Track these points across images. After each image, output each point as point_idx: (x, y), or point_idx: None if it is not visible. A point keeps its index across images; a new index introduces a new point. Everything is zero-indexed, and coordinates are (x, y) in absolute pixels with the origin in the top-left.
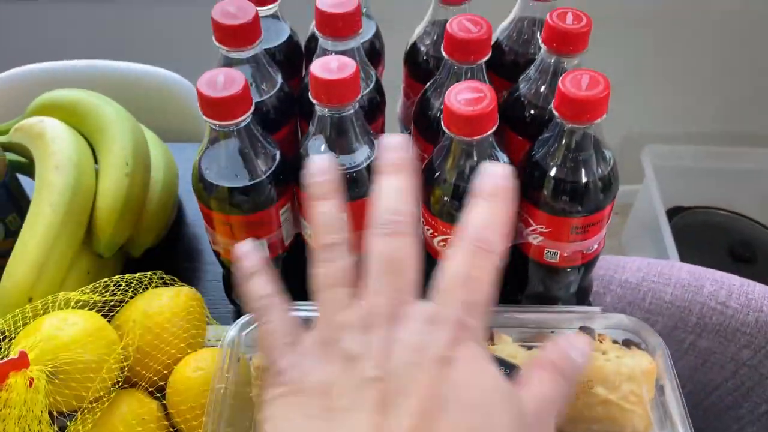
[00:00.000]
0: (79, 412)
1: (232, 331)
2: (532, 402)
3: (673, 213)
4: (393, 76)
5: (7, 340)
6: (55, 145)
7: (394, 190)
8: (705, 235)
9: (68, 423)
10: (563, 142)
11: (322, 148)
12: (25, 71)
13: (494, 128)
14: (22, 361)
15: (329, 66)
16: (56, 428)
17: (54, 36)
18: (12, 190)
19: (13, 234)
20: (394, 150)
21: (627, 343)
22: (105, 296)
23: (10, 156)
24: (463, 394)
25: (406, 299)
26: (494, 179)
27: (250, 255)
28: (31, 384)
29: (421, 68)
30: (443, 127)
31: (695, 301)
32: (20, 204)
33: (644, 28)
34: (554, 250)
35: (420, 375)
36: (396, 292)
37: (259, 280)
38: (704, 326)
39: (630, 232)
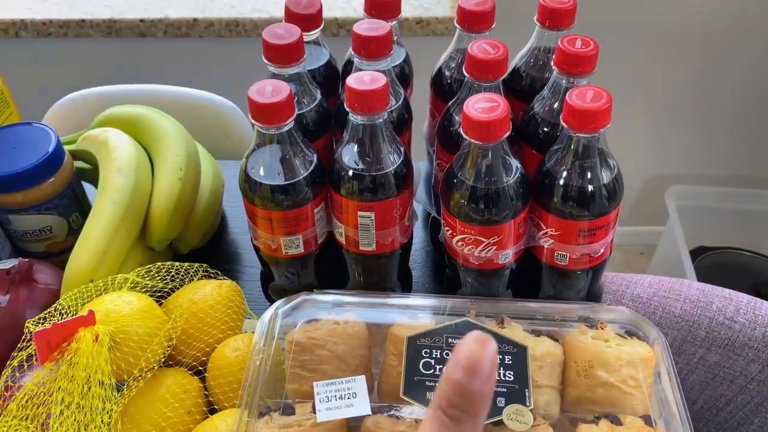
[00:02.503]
0: (131, 379)
1: (269, 311)
2: None
3: (696, 253)
4: (420, 101)
5: (70, 315)
6: (117, 151)
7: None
8: (729, 276)
9: (123, 389)
10: (571, 151)
11: (356, 148)
12: (92, 92)
13: (507, 134)
14: (90, 319)
15: (363, 79)
16: (114, 380)
17: (118, 64)
18: (77, 192)
19: (75, 232)
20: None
21: (627, 334)
22: (156, 280)
23: (76, 163)
24: None
25: None
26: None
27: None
28: (96, 339)
29: (446, 90)
30: (462, 133)
31: (704, 316)
32: (82, 206)
33: (668, 71)
34: (564, 253)
35: None
36: None
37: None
38: (713, 340)
39: (654, 272)
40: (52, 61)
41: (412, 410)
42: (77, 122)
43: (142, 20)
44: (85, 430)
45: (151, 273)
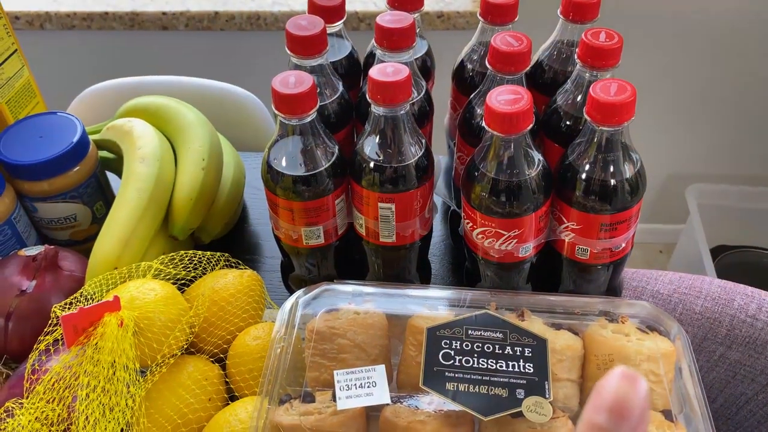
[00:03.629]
0: (154, 365)
1: (290, 300)
2: None
3: (717, 252)
4: (440, 96)
5: (95, 301)
6: (141, 141)
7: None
8: (749, 275)
9: (146, 374)
10: (594, 144)
11: (377, 140)
12: (116, 83)
13: (530, 126)
14: (115, 304)
15: (385, 71)
16: (138, 365)
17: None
18: (101, 182)
19: (98, 220)
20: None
21: (648, 329)
22: (179, 268)
23: (101, 153)
24: None
25: None
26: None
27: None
28: (121, 324)
29: (467, 83)
30: (484, 126)
31: (725, 313)
32: (106, 195)
33: (690, 66)
34: (584, 247)
35: None
36: None
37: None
38: (734, 338)
39: (674, 270)
40: (75, 53)
41: (431, 400)
42: (101, 113)
43: (164, 13)
44: (109, 413)
45: (174, 261)
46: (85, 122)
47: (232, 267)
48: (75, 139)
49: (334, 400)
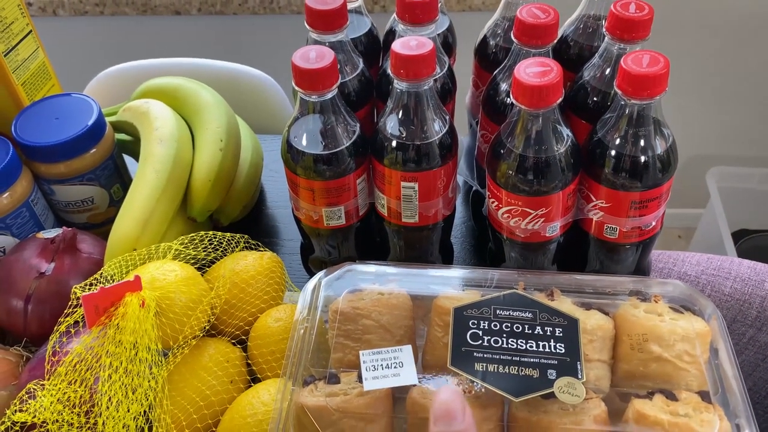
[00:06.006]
0: (176, 347)
1: (312, 281)
2: None
3: (738, 236)
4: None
5: (115, 282)
6: (158, 122)
7: None
8: None
9: (168, 355)
10: (624, 118)
11: (400, 117)
12: (131, 66)
13: (560, 100)
14: (137, 284)
15: (409, 44)
16: (161, 346)
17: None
18: (117, 164)
19: (116, 203)
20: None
21: (682, 308)
22: (198, 249)
23: (117, 135)
24: None
25: None
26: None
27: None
28: (143, 304)
29: (491, 59)
30: (512, 100)
31: (755, 294)
32: (123, 178)
33: (709, 48)
34: (614, 226)
35: None
36: None
37: None
38: (765, 320)
39: None
40: (88, 40)
41: (459, 381)
42: (117, 96)
43: None
44: (132, 394)
45: (194, 242)
46: (101, 104)
47: (251, 249)
48: (91, 121)
49: (360, 381)
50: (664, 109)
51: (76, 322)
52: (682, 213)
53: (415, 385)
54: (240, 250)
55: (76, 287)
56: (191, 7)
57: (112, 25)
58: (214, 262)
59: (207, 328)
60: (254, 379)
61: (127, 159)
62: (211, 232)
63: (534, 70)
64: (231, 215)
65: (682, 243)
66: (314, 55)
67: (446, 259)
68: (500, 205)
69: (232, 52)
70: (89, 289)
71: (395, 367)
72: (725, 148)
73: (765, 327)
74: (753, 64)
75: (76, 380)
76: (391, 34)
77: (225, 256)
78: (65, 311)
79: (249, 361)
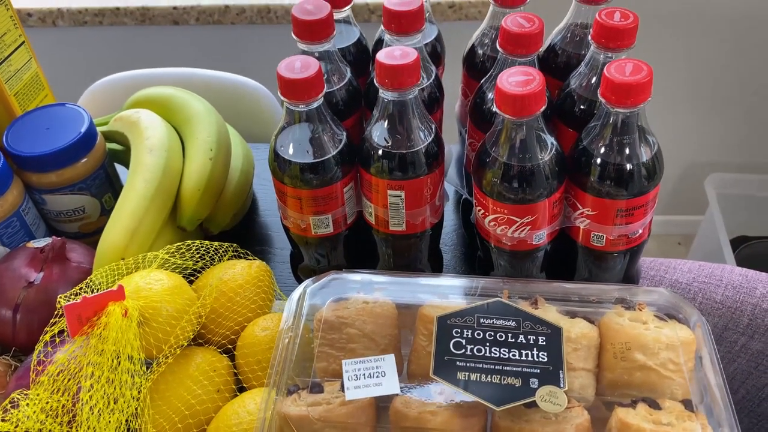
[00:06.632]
0: (161, 357)
1: (298, 290)
2: None
3: (737, 243)
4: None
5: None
6: (148, 131)
7: None
8: None
9: (153, 365)
10: (609, 127)
11: (385, 126)
12: (126, 76)
13: (542, 109)
14: (119, 294)
15: (393, 54)
16: (143, 356)
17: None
18: (109, 173)
19: (107, 212)
20: None
21: (667, 317)
22: (185, 258)
23: (109, 145)
24: None
25: None
26: None
27: None
28: (125, 314)
29: (478, 68)
30: (495, 109)
31: (747, 302)
32: (115, 187)
33: (708, 51)
34: (600, 234)
35: None
36: None
37: None
38: (756, 328)
39: None
40: (88, 50)
41: (442, 390)
42: (111, 105)
43: (174, 8)
44: (114, 403)
45: (181, 251)
46: (95, 115)
47: (240, 258)
48: (82, 131)
49: (343, 391)
50: (662, 116)
51: (62, 332)
52: (682, 220)
53: (398, 395)
54: (228, 259)
55: (60, 297)
56: (189, 17)
57: (111, 35)
58: (203, 271)
59: (193, 336)
60: (241, 388)
61: (120, 168)
62: (198, 241)
63: (516, 79)
64: (221, 224)
65: (682, 249)
66: (299, 65)
67: (435, 266)
68: (487, 214)
69: (230, 62)
70: (74, 299)
71: (378, 377)
72: (724, 155)
73: (757, 335)
74: (751, 70)
75: (59, 389)
76: (380, 44)
77: (214, 265)
78: (51, 320)
79: (236, 371)
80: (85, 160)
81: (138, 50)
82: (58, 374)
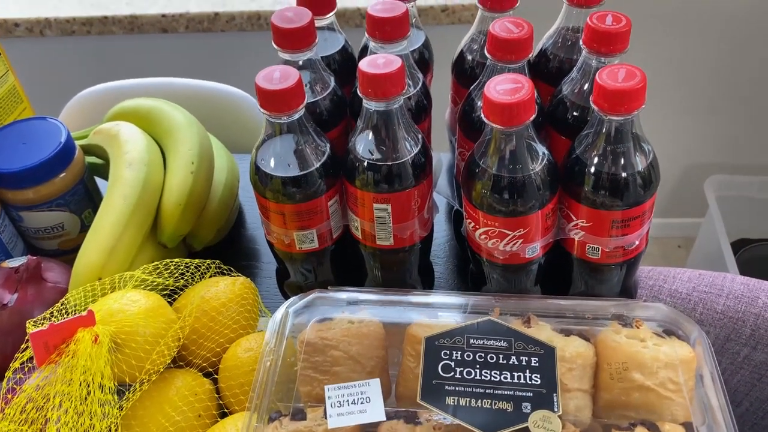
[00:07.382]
0: (137, 383)
1: (280, 309)
2: None
3: (738, 246)
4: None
5: (76, 314)
6: (128, 145)
7: None
8: None
9: (127, 393)
10: (602, 136)
11: (370, 137)
12: (109, 87)
13: (532, 117)
14: (89, 319)
15: (376, 62)
16: (116, 384)
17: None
18: (89, 188)
19: (87, 229)
20: None
21: (665, 333)
22: (164, 276)
23: (88, 158)
24: None
25: None
26: None
27: None
28: (96, 340)
29: (468, 75)
30: (483, 118)
31: (749, 312)
32: (95, 202)
33: (706, 52)
34: (596, 246)
35: None
36: None
37: None
38: (759, 338)
39: (693, 265)
40: (76, 59)
41: (430, 416)
42: (94, 117)
43: (163, 15)
44: None
45: (159, 270)
46: (78, 127)
47: (224, 274)
48: (60, 145)
49: (326, 417)
50: (660, 119)
51: (31, 358)
52: (682, 222)
53: (383, 421)
54: (211, 276)
55: (29, 322)
56: (179, 24)
57: (99, 44)
58: (184, 290)
59: (175, 358)
60: (223, 413)
61: (101, 183)
62: (178, 259)
63: (505, 87)
64: (205, 239)
65: (682, 253)
66: (278, 75)
67: (427, 281)
68: (477, 227)
69: (220, 70)
70: (44, 323)
71: (362, 403)
72: (723, 157)
73: (760, 345)
74: (750, 71)
75: (27, 420)
76: (366, 51)
77: (195, 283)
78: (22, 346)
79: (218, 395)
80: (63, 175)
81: (127, 59)
82: (25, 404)
